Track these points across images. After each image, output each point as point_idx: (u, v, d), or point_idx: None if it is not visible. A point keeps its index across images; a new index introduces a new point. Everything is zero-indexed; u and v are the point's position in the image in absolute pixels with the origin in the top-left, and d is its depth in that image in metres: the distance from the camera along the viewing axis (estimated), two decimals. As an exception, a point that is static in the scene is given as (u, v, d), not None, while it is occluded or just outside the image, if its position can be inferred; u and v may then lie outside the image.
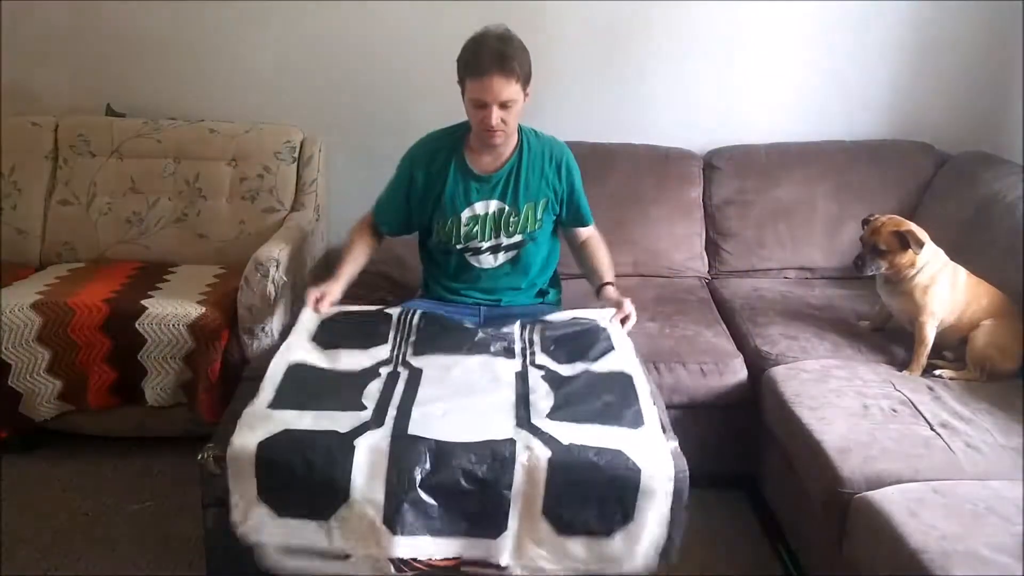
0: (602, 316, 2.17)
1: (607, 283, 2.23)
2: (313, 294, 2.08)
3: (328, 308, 2.07)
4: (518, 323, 2.11)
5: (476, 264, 2.21)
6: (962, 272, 2.26)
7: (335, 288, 2.11)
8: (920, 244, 2.17)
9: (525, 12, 2.96)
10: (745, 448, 2.38)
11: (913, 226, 2.22)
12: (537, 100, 3.05)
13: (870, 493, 1.73)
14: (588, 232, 2.32)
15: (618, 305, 2.14)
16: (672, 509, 1.60)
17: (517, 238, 2.19)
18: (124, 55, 3.02)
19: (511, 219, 2.16)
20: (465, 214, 2.15)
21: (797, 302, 2.65)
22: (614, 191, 2.90)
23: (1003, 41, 2.97)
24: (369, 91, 3.02)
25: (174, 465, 2.51)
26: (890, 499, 1.68)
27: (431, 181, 2.15)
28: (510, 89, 1.97)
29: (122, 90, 3.03)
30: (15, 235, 2.84)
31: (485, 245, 2.19)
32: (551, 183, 2.18)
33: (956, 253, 2.31)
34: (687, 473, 1.62)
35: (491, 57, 1.95)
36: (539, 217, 2.19)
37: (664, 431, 1.71)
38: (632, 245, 2.88)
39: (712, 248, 2.96)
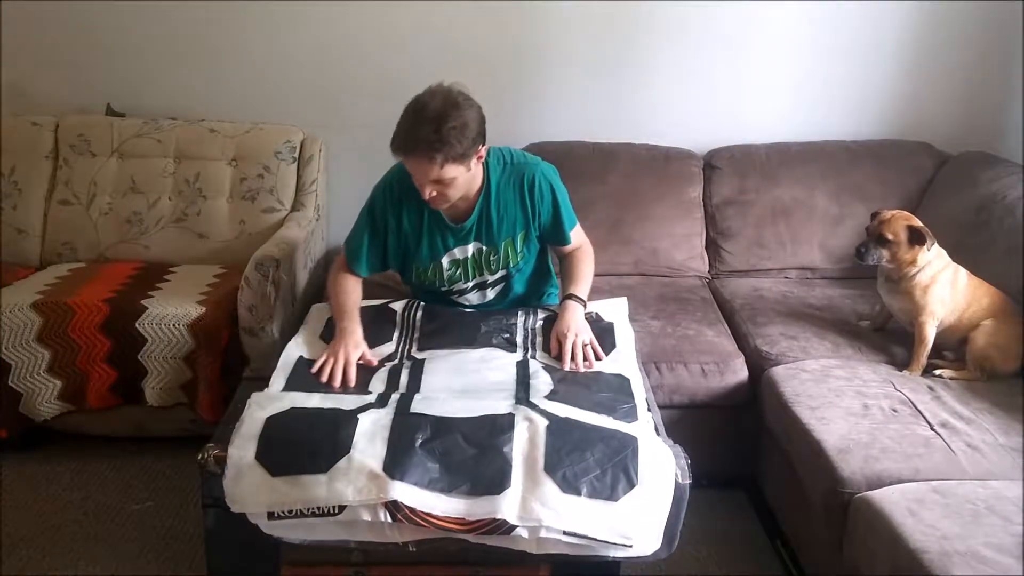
0: (604, 309, 2.18)
1: (569, 295, 2.07)
2: (352, 360, 1.88)
3: (370, 356, 1.93)
4: (520, 313, 2.13)
5: (464, 303, 2.18)
6: (962, 272, 2.26)
7: (359, 332, 1.95)
8: (932, 240, 2.17)
9: (525, 11, 2.97)
10: (745, 448, 2.38)
11: (918, 222, 2.22)
12: (537, 100, 3.10)
13: (870, 493, 1.73)
14: (574, 244, 2.17)
15: (560, 331, 1.98)
16: (673, 504, 1.59)
17: (501, 273, 2.14)
18: (124, 55, 3.01)
19: (491, 257, 2.10)
20: (445, 260, 2.09)
21: (797, 302, 2.65)
22: (614, 191, 2.90)
23: (1003, 41, 2.98)
24: (369, 91, 3.02)
25: (174, 465, 2.51)
26: (890, 499, 1.68)
27: (404, 226, 2.06)
28: (436, 171, 1.83)
29: (122, 90, 3.03)
30: (15, 235, 2.84)
31: (470, 285, 2.15)
32: (527, 211, 2.06)
33: (956, 253, 2.30)
34: (688, 472, 1.62)
35: (419, 141, 1.80)
36: (519, 250, 2.10)
37: (658, 434, 1.72)
38: (632, 245, 2.88)
39: (712, 248, 2.96)
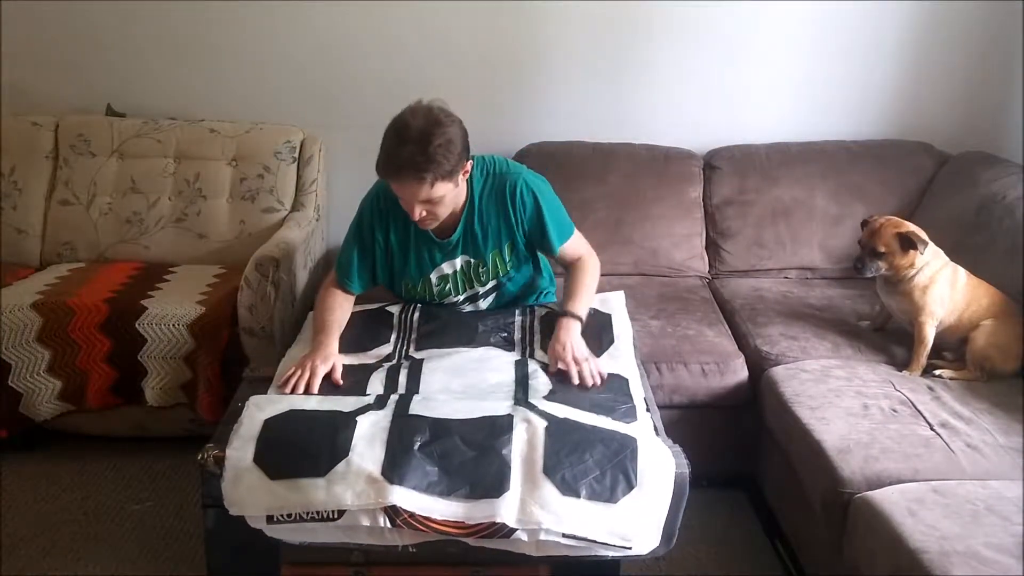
0: (601, 303, 2.18)
1: (565, 313, 1.98)
2: (318, 372, 1.83)
3: (339, 374, 1.86)
4: (518, 312, 2.13)
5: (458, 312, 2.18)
6: (962, 272, 2.26)
7: (333, 347, 1.92)
8: (924, 243, 2.17)
9: (525, 12, 2.97)
10: (745, 448, 2.38)
11: (911, 226, 2.22)
12: (537, 100, 3.10)
13: (870, 493, 1.73)
14: (570, 257, 2.11)
15: (555, 351, 1.89)
16: (672, 503, 1.59)
17: (491, 283, 2.12)
18: (124, 55, 3.01)
19: (479, 269, 2.08)
20: (434, 276, 2.08)
21: (797, 302, 2.65)
22: (614, 191, 2.90)
23: (1003, 41, 2.97)
24: (369, 91, 3.02)
25: (174, 465, 2.51)
26: (890, 499, 1.68)
27: (391, 242, 2.04)
28: (427, 191, 1.81)
29: (122, 90, 3.03)
30: (15, 235, 2.84)
31: (461, 298, 2.14)
32: (510, 220, 2.02)
33: (956, 253, 2.30)
34: (687, 471, 1.62)
35: (405, 163, 1.77)
36: (507, 259, 2.08)
37: (658, 434, 1.71)
38: (632, 245, 2.88)
39: (712, 248, 2.96)
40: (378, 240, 2.05)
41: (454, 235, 2.02)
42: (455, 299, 2.14)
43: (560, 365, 1.87)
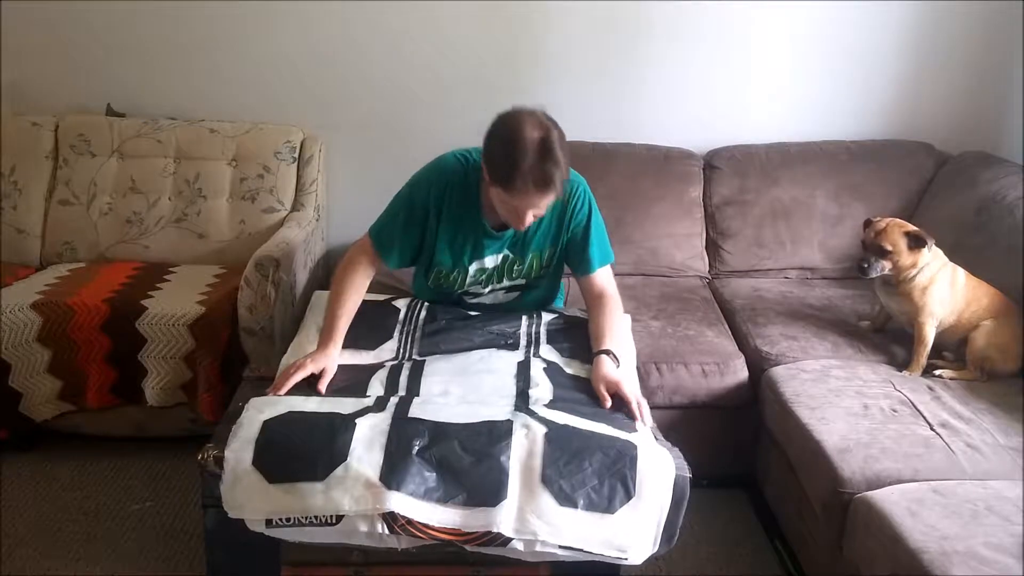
0: None
1: (602, 351, 1.88)
2: (306, 370, 1.81)
3: (324, 384, 1.81)
4: (524, 317, 2.12)
5: (473, 303, 2.16)
6: (961, 273, 2.26)
7: (333, 354, 1.88)
8: (931, 240, 2.18)
9: (525, 12, 2.97)
10: (745, 448, 2.38)
11: (913, 227, 2.23)
12: (538, 100, 3.07)
13: (870, 493, 1.73)
14: (600, 287, 2.04)
15: (608, 387, 1.78)
16: (672, 505, 1.59)
17: (520, 281, 2.12)
18: (124, 55, 3.01)
19: (515, 267, 2.08)
20: (473, 267, 2.06)
21: (797, 302, 2.66)
22: (614, 191, 2.90)
23: (1003, 41, 2.98)
24: (369, 91, 3.01)
25: (174, 465, 2.51)
26: (890, 499, 1.68)
27: (441, 227, 2.00)
28: (548, 200, 1.82)
29: (122, 90, 3.03)
30: (15, 235, 2.84)
31: (487, 290, 2.13)
32: (561, 222, 2.01)
33: (956, 253, 2.31)
34: (687, 472, 1.62)
35: (533, 179, 1.75)
36: (544, 264, 2.08)
37: (656, 440, 1.71)
38: (632, 245, 2.88)
39: (712, 248, 2.96)
40: (430, 220, 2.01)
41: (509, 229, 1.99)
42: (481, 291, 2.13)
43: (622, 395, 1.78)
